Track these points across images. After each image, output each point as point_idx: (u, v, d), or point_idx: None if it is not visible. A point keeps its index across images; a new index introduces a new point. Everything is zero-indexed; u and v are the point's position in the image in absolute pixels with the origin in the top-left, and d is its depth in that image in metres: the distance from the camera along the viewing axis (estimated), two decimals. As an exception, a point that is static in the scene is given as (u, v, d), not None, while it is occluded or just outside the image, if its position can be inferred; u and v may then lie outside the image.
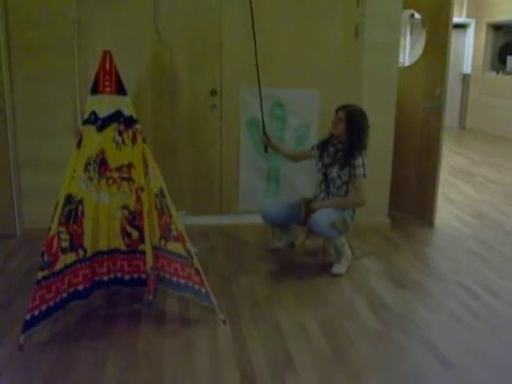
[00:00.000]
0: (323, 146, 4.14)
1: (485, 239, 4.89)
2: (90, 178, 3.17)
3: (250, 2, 4.18)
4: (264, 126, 4.39)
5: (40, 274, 2.94)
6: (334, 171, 4.03)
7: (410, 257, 4.44)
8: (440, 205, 5.36)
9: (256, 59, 4.28)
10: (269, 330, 3.19)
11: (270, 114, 4.65)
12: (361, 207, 4.08)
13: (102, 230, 3.32)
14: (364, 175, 3.94)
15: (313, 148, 4.23)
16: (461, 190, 6.72)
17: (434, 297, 3.75)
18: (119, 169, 3.23)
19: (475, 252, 4.57)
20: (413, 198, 5.37)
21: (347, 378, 2.74)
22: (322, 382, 2.72)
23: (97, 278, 3.36)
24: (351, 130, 3.95)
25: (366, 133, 4.01)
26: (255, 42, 4.24)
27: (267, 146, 4.44)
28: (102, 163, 3.20)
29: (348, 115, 3.95)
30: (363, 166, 3.93)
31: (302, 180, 4.85)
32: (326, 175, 4.09)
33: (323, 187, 4.12)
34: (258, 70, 4.29)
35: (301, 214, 4.08)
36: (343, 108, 4.00)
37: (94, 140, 3.14)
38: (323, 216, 3.87)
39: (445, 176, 6.66)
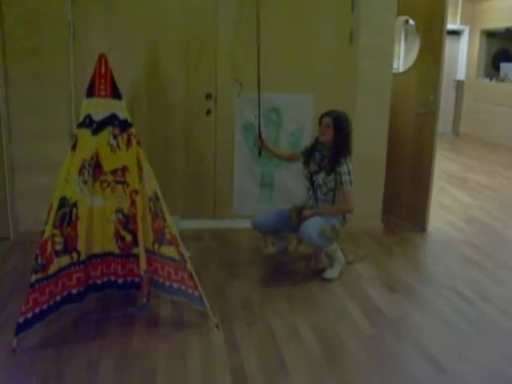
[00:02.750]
0: (309, 152, 4.14)
1: (478, 245, 4.91)
2: (85, 182, 3.17)
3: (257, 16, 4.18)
4: (260, 130, 4.40)
5: (33, 277, 2.93)
6: (319, 178, 4.03)
7: (402, 262, 4.45)
8: (433, 210, 5.37)
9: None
10: (262, 334, 3.20)
11: (265, 119, 4.66)
12: (349, 214, 4.09)
13: (96, 233, 3.32)
14: (350, 182, 3.94)
15: (302, 152, 4.25)
16: (454, 195, 6.75)
17: (427, 302, 3.77)
18: (114, 172, 3.23)
19: (468, 257, 4.59)
20: (406, 203, 5.39)
21: (339, 382, 2.75)
22: (315, 386, 2.73)
23: (91, 282, 3.36)
24: (338, 135, 3.96)
25: (351, 137, 4.03)
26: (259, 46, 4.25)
27: (261, 149, 4.43)
28: (96, 166, 3.20)
29: (335, 121, 3.95)
30: (349, 172, 3.93)
31: (296, 185, 4.86)
32: (312, 182, 4.10)
33: (311, 194, 4.13)
34: (258, 75, 4.29)
35: (292, 221, 4.09)
36: (328, 114, 3.99)
37: (89, 143, 3.14)
38: (312, 226, 3.87)
39: (438, 182, 6.68)
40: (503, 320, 3.49)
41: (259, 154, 4.47)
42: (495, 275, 4.23)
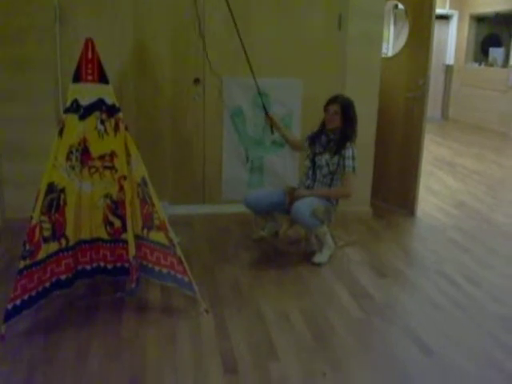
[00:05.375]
0: (314, 136, 4.14)
1: (466, 229, 4.94)
2: (72, 167, 3.15)
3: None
4: (265, 108, 4.39)
5: (21, 264, 2.92)
6: (323, 159, 4.03)
7: (391, 246, 4.47)
8: (422, 195, 5.40)
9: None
10: (251, 319, 3.21)
11: (254, 104, 4.65)
12: (345, 199, 4.10)
13: (85, 219, 3.30)
14: (353, 168, 3.95)
15: (306, 140, 4.23)
16: (443, 180, 6.78)
17: (416, 286, 3.79)
18: (102, 157, 3.21)
19: (456, 242, 4.62)
20: (395, 187, 5.40)
21: (329, 366, 2.77)
22: (305, 369, 2.74)
23: (80, 267, 3.35)
24: (346, 121, 3.97)
25: (357, 121, 4.04)
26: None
27: (272, 127, 4.42)
28: (84, 152, 3.18)
29: (343, 107, 3.96)
30: (353, 158, 3.95)
31: (286, 170, 4.86)
32: (314, 162, 4.09)
33: (310, 173, 4.12)
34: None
35: (284, 202, 4.08)
36: (335, 101, 3.99)
37: (76, 128, 3.12)
38: (304, 205, 3.88)
39: (427, 166, 6.70)
40: (491, 303, 3.52)
41: (271, 132, 4.47)
42: (483, 259, 4.26)
